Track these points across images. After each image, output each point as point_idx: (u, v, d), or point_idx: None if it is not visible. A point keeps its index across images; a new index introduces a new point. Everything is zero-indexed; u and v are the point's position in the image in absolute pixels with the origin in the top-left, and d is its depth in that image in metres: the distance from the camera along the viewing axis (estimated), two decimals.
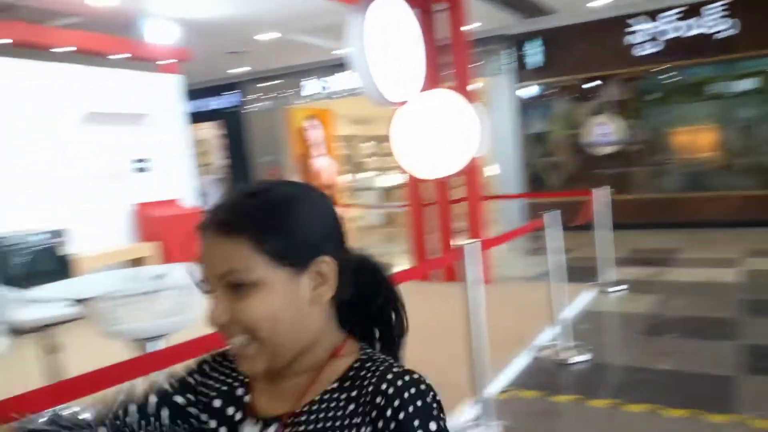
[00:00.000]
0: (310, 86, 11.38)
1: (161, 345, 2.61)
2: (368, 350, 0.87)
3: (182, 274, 3.26)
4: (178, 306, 2.56)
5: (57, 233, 5.49)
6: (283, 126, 11.89)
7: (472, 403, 2.98)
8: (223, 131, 12.55)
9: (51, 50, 6.47)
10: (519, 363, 3.83)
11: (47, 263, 5.31)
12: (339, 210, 0.87)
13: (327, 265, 0.81)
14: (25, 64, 5.91)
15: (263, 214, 0.79)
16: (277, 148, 11.90)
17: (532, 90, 9.68)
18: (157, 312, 2.56)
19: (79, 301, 2.83)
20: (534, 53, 9.42)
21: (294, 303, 0.79)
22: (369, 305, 0.91)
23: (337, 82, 11.04)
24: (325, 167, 12.64)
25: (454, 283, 5.60)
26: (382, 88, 4.50)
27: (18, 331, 3.21)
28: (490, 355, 2.89)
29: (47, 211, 5.83)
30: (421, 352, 4.08)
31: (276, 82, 11.67)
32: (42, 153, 5.93)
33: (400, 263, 7.91)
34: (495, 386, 3.37)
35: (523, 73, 9.58)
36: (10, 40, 5.99)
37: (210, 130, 13.10)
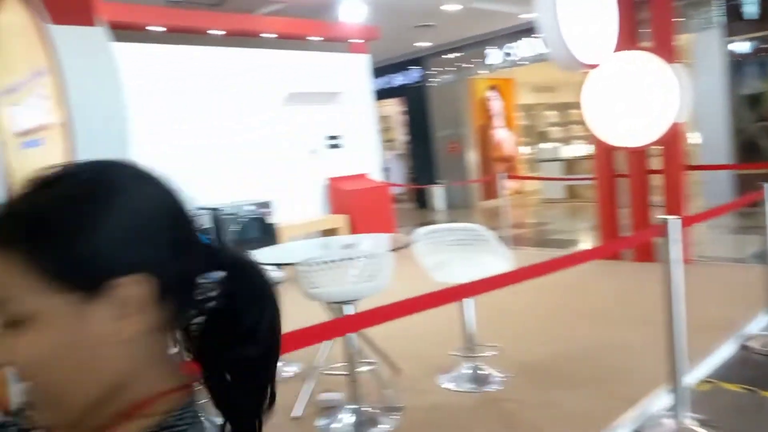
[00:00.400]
0: (493, 56, 11.18)
1: (353, 309, 2.82)
2: (184, 412, 0.61)
3: (370, 244, 3.47)
4: (367, 273, 2.73)
5: (264, 204, 6.14)
6: (464, 98, 11.87)
7: (666, 392, 2.78)
8: (405, 107, 12.89)
9: (256, 37, 7.15)
10: (722, 353, 3.46)
11: (256, 231, 5.99)
12: (183, 200, 0.62)
13: (132, 287, 0.57)
14: (234, 52, 6.61)
15: (41, 216, 0.56)
16: (458, 121, 11.93)
17: (746, 45, 8.48)
18: (348, 278, 2.76)
19: (282, 265, 3.16)
20: (750, 2, 8.22)
21: (79, 342, 0.57)
22: (236, 336, 0.62)
23: (521, 49, 10.71)
24: (505, 138, 12.42)
25: (647, 263, 5.26)
26: (573, 50, 4.27)
27: None
28: (689, 342, 2.66)
29: (256, 185, 6.56)
30: (611, 334, 3.91)
31: (458, 54, 11.65)
32: (250, 132, 6.63)
33: (584, 240, 7.55)
34: (693, 376, 3.09)
35: (736, 26, 8.42)
36: (223, 31, 6.74)
37: (393, 107, 13.55)
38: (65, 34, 1.83)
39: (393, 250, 2.90)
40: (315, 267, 2.67)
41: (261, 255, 3.32)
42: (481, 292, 2.16)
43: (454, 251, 3.39)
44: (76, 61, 1.82)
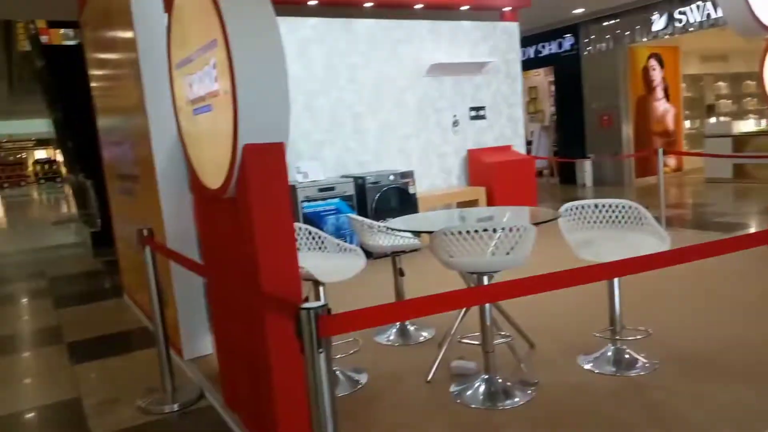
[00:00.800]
0: (657, 22, 10.28)
1: (488, 281, 2.80)
2: None
3: (510, 217, 3.41)
4: (506, 246, 2.69)
5: (406, 174, 6.26)
6: (622, 68, 11.06)
7: None
8: (554, 77, 12.32)
9: (407, 8, 7.19)
10: None
11: (397, 200, 6.15)
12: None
13: None
14: (384, 24, 6.71)
15: None
16: (614, 92, 11.17)
17: None
18: (486, 250, 2.74)
19: (420, 233, 3.21)
20: None
21: None
22: None
23: (688, 14, 9.73)
24: (666, 111, 11.45)
25: None
26: (758, 12, 3.81)
27: (373, 255, 3.80)
28: None
29: (398, 155, 6.71)
30: None
31: (616, 21, 10.86)
32: (395, 103, 6.75)
33: (753, 224, 6.82)
34: None
35: None
36: (371, 3, 6.87)
37: (540, 77, 13.01)
38: (235, 7, 1.98)
39: (536, 224, 2.83)
40: (453, 237, 2.68)
41: (400, 222, 3.40)
42: (633, 272, 2.04)
43: (603, 229, 3.23)
44: (244, 32, 1.97)
